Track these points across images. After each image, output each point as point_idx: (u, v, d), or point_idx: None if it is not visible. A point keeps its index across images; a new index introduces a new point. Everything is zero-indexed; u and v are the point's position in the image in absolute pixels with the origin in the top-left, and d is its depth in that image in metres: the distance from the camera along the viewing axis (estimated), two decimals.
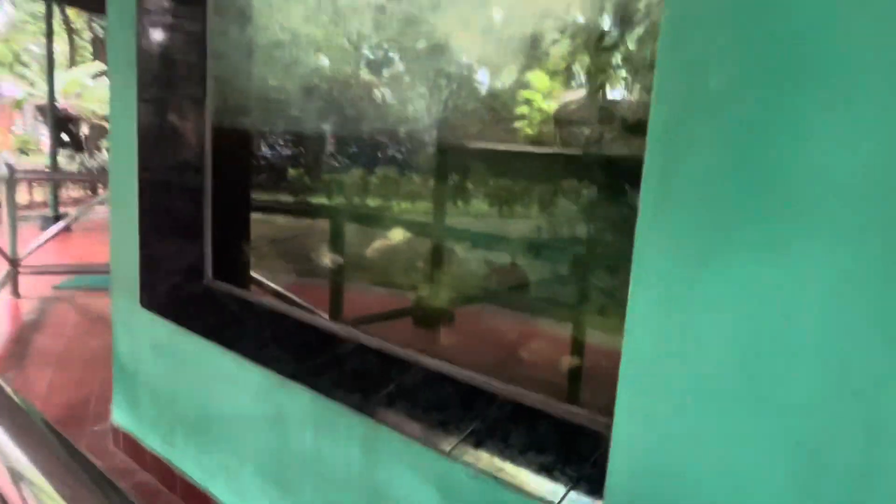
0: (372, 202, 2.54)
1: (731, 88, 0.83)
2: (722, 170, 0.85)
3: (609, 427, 1.19)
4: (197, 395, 1.87)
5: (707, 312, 0.87)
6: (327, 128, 2.41)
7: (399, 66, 2.32)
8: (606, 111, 1.97)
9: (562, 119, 2.00)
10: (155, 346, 2.04)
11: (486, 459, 1.18)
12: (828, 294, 0.77)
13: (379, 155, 2.58)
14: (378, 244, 2.27)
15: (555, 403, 1.29)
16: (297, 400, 1.52)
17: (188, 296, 2.08)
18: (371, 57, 2.33)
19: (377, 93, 2.42)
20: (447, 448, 1.23)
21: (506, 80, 2.15)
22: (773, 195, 0.81)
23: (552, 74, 2.01)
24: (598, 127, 1.99)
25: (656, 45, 1.73)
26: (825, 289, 0.78)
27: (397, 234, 2.41)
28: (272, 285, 2.23)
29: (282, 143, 2.46)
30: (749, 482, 0.84)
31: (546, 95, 1.96)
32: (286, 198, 2.62)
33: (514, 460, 1.17)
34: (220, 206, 2.13)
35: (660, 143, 0.90)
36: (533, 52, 2.06)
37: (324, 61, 2.36)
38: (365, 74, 2.37)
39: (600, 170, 2.07)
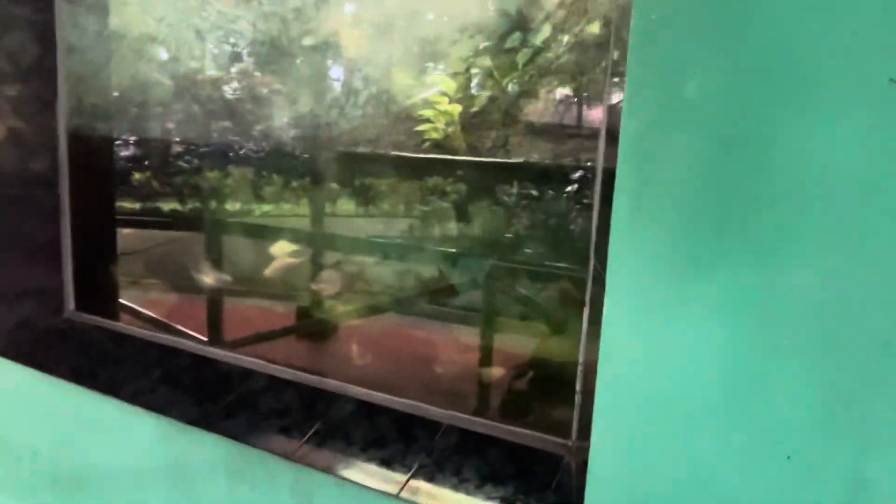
0: (261, 209, 2.33)
1: (706, 98, 0.80)
2: (699, 181, 0.82)
3: (565, 447, 1.15)
4: (68, 451, 1.57)
5: (688, 328, 0.84)
6: (207, 130, 2.17)
7: (290, 64, 2.13)
8: (511, 115, 1.93)
9: (467, 123, 1.94)
10: (5, 394, 1.70)
11: (442, 498, 1.08)
12: (812, 304, 0.77)
13: (264, 159, 2.37)
14: (274, 255, 2.07)
15: (503, 427, 1.22)
16: (205, 449, 1.32)
17: (45, 333, 1.76)
18: (255, 53, 2.12)
19: (262, 92, 2.21)
20: (395, 490, 1.11)
21: (406, 81, 2.05)
22: (753, 206, 0.79)
23: (454, 76, 1.95)
24: (503, 131, 1.95)
25: (561, 49, 1.68)
26: (810, 299, 0.77)
27: (287, 246, 2.22)
28: (151, 313, 1.96)
29: (155, 148, 2.17)
30: (741, 501, 0.82)
31: (451, 98, 1.89)
32: (163, 209, 2.32)
33: (472, 494, 1.09)
34: (80, 223, 1.83)
35: (632, 155, 0.86)
36: (433, 51, 1.98)
37: (199, 56, 2.11)
38: (249, 72, 2.15)
39: (507, 175, 2.03)
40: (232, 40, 2.18)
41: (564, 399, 1.21)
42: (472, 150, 1.98)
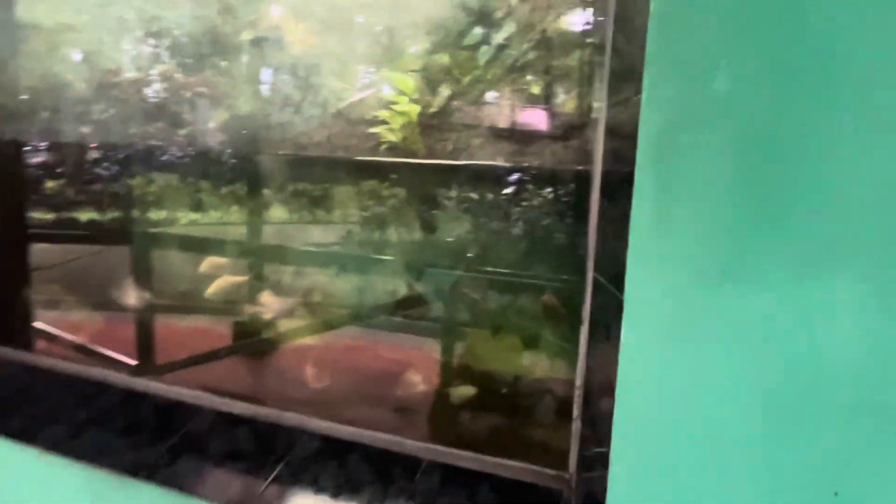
0: (195, 218, 2.12)
1: (738, 91, 0.71)
2: (731, 185, 0.72)
3: (563, 480, 1.04)
4: None
5: (721, 352, 0.74)
6: (134, 133, 1.95)
7: (227, 61, 1.95)
8: (473, 116, 1.82)
9: (425, 124, 1.81)
10: None
11: None
12: (864, 322, 0.69)
13: (198, 165, 2.16)
14: (212, 272, 1.87)
15: (491, 460, 1.10)
16: (144, 503, 1.13)
17: None
18: (190, 49, 1.92)
19: (192, 93, 2.01)
20: None
21: (360, 80, 1.90)
22: (794, 212, 0.70)
23: (410, 74, 1.82)
24: (466, 133, 1.84)
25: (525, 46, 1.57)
26: (861, 317, 0.69)
27: (219, 261, 2.02)
28: (73, 338, 1.72)
29: (73, 152, 1.93)
30: None
31: (412, 98, 1.76)
32: (86, 219, 2.08)
33: None
34: None
35: (653, 156, 0.75)
36: (388, 49, 1.85)
37: (126, 51, 1.89)
38: (178, 69, 1.95)
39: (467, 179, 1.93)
40: (152, 41, 1.98)
41: (558, 426, 1.10)
42: (432, 153, 1.85)
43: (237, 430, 1.22)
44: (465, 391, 1.57)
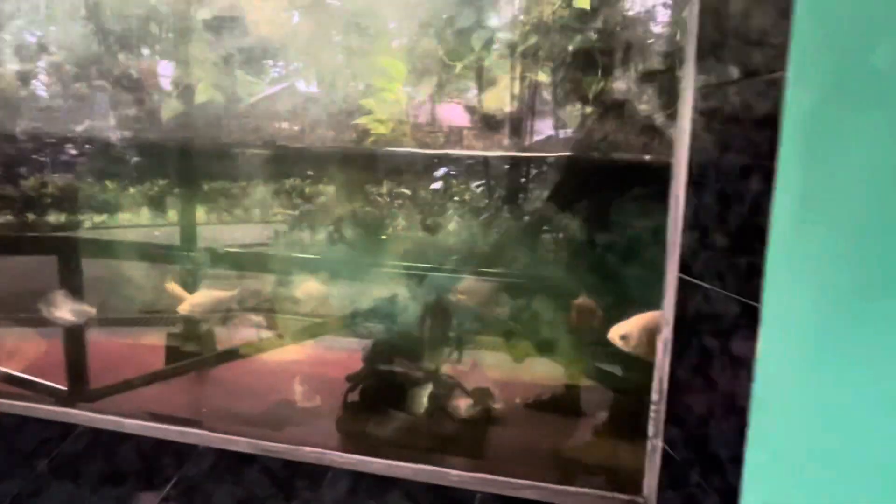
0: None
1: None
2: (892, 173, 0.63)
3: None
4: None
5: (879, 367, 0.65)
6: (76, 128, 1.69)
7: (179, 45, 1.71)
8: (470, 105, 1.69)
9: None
10: None
11: None
12: None
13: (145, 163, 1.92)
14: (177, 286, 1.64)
15: (551, 487, 0.97)
16: None
17: None
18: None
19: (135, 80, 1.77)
20: None
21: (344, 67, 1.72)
22: None
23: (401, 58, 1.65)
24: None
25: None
26: None
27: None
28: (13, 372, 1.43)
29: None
30: None
31: (405, 84, 1.59)
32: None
33: None
34: None
35: (799, 142, 0.65)
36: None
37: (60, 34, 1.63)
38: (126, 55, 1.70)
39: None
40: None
41: (625, 447, 0.99)
42: (423, 146, 1.70)
43: (246, 470, 1.03)
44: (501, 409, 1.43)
